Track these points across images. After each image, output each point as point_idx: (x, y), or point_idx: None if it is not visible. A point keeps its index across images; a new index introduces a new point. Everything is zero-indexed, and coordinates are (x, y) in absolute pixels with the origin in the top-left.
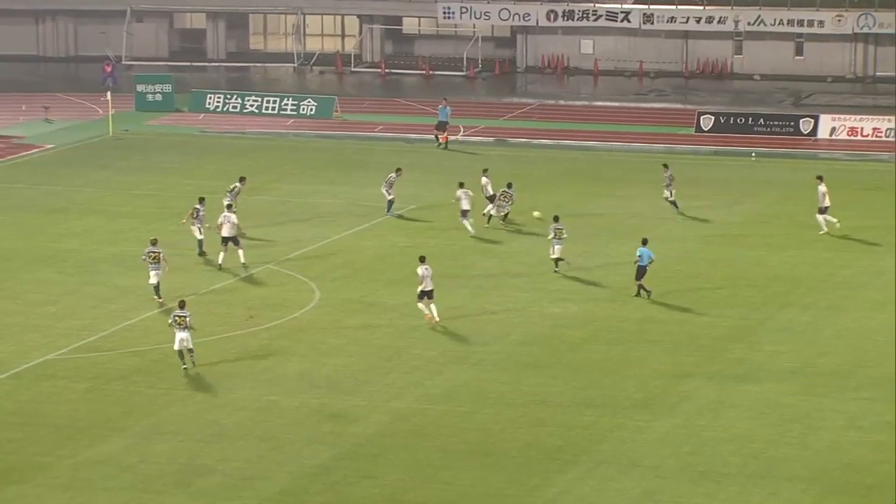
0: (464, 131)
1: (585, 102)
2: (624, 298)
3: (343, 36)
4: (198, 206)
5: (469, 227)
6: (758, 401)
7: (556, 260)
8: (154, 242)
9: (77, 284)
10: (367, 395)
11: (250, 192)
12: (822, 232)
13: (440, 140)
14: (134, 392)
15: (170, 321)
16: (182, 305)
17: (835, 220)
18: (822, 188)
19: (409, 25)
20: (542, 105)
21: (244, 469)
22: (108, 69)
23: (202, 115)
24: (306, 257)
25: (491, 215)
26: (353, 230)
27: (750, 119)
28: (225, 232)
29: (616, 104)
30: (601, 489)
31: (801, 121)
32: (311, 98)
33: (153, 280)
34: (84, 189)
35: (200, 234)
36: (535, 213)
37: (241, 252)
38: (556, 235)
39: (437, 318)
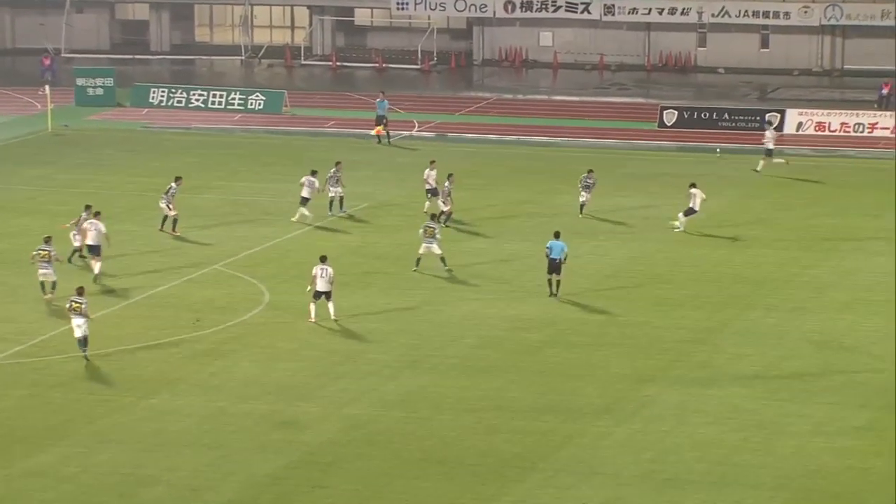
0: (418, 126)
1: (544, 96)
2: (584, 300)
3: (293, 28)
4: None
5: (306, 213)
6: (721, 406)
7: (419, 258)
8: (47, 240)
9: (13, 287)
10: (319, 401)
11: (196, 190)
12: (677, 230)
13: (375, 134)
14: (74, 399)
15: (67, 306)
16: (80, 292)
17: (678, 224)
18: (697, 193)
19: (362, 17)
20: (499, 99)
21: (190, 479)
22: (47, 62)
23: (145, 109)
24: (255, 258)
25: (443, 213)
26: (303, 230)
27: (714, 114)
28: (90, 240)
29: (576, 98)
30: (560, 498)
31: (768, 115)
32: (259, 92)
33: (42, 279)
34: (21, 187)
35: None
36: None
37: (97, 264)
38: (426, 233)
39: (334, 317)
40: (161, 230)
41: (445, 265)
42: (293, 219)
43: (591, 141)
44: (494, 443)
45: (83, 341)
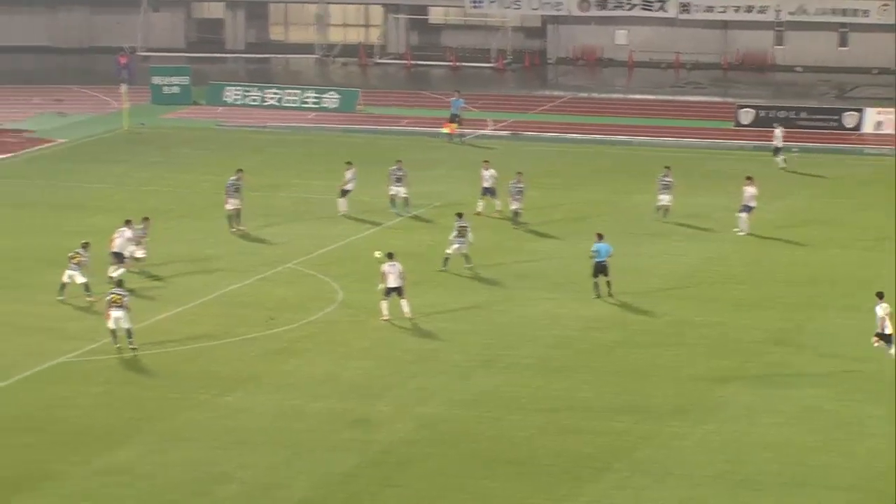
0: (492, 125)
1: (619, 95)
2: (658, 300)
3: (367, 26)
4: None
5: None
6: (797, 406)
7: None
8: (85, 246)
9: (89, 284)
10: (392, 400)
11: (270, 188)
12: (741, 233)
13: (448, 132)
14: (150, 396)
15: (107, 298)
16: (119, 284)
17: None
18: (752, 189)
19: (436, 15)
20: (574, 98)
21: (264, 477)
22: (124, 61)
23: (220, 108)
24: (328, 256)
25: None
26: (377, 228)
27: (791, 113)
28: (115, 247)
29: (651, 97)
30: (635, 498)
31: (845, 115)
32: (333, 91)
33: (66, 279)
34: (97, 185)
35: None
36: (376, 254)
37: (118, 271)
38: (459, 233)
39: (409, 314)
40: (232, 230)
41: (469, 263)
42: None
43: (666, 140)
44: (567, 443)
45: (128, 333)
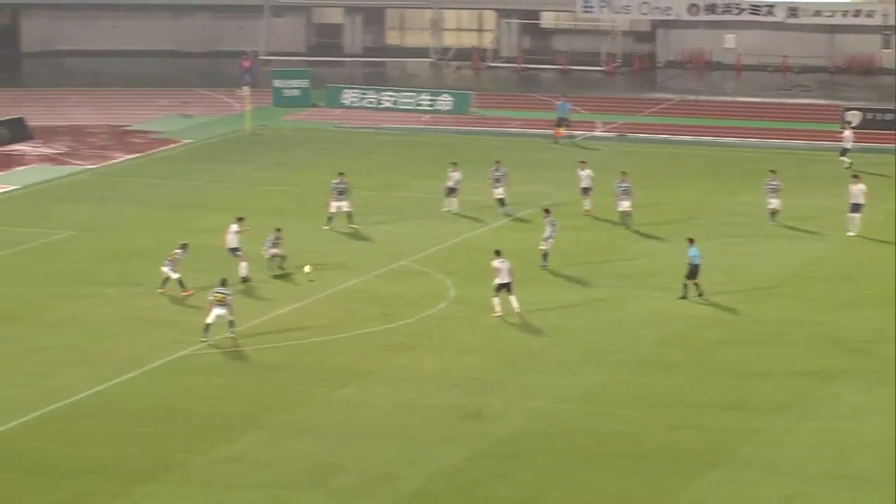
0: (601, 127)
1: (728, 98)
2: (764, 299)
3: (480, 31)
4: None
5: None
6: None
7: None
8: (183, 247)
9: (212, 280)
10: (504, 394)
11: (385, 188)
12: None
13: (555, 135)
14: (270, 389)
15: (210, 297)
16: (224, 283)
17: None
18: (860, 187)
19: (547, 20)
20: (682, 101)
21: (379, 468)
22: (246, 64)
23: (338, 110)
24: (441, 254)
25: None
26: (489, 227)
27: None
28: (229, 244)
29: (759, 100)
30: (741, 494)
31: (847, 114)
32: (447, 93)
33: (172, 275)
34: (220, 185)
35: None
36: (306, 268)
37: (243, 265)
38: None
39: (518, 310)
40: (325, 227)
41: (545, 262)
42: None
43: (774, 142)
44: (675, 438)
45: (230, 323)
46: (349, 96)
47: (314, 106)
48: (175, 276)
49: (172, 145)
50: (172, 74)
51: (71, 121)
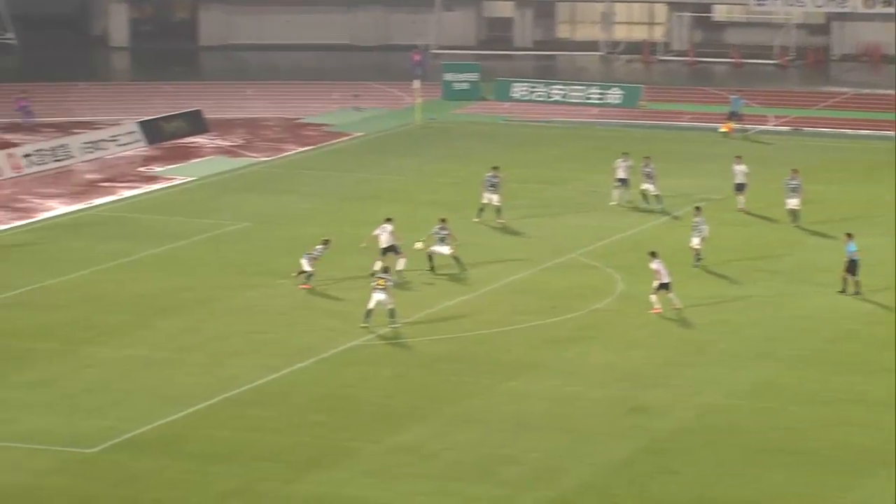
0: (774, 121)
1: None
2: None
3: (651, 24)
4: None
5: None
6: None
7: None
8: (325, 243)
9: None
10: (671, 388)
11: (553, 181)
12: None
13: (725, 130)
14: (439, 380)
15: (372, 283)
16: (386, 270)
17: None
18: None
19: (720, 12)
20: (857, 94)
21: (547, 460)
22: (417, 58)
23: (507, 103)
24: (609, 248)
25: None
26: (658, 221)
27: None
28: (384, 243)
29: None
30: None
31: None
32: (616, 87)
33: (306, 267)
34: (391, 177)
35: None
36: (417, 245)
37: (401, 261)
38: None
39: (678, 306)
40: (475, 220)
41: (697, 261)
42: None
43: None
44: (846, 436)
45: (390, 313)
46: (519, 90)
47: (483, 99)
48: (309, 269)
49: (344, 138)
50: (345, 68)
51: (246, 113)
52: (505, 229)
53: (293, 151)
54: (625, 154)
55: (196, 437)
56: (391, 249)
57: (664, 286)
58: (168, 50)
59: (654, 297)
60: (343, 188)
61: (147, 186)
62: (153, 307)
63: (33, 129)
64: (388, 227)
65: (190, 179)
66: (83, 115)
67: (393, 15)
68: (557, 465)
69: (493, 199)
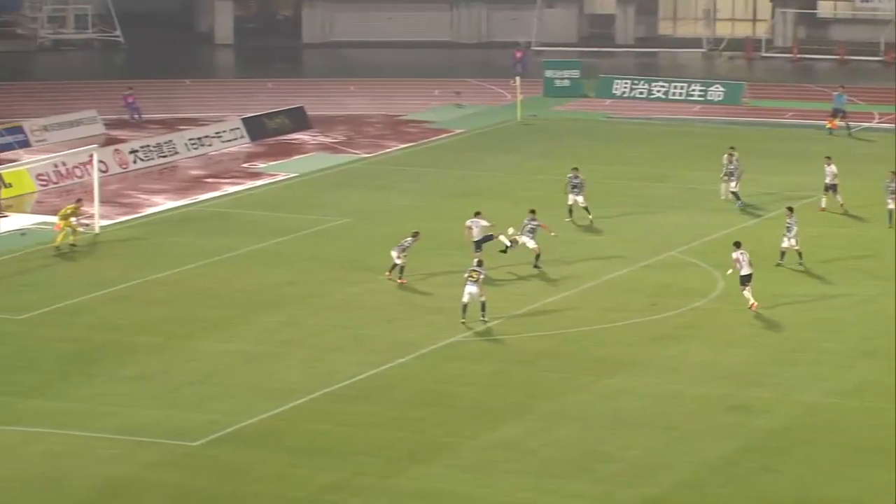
0: (878, 118)
1: None
2: None
3: (754, 20)
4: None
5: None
6: None
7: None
8: (415, 235)
9: (404, 267)
10: (772, 387)
11: (653, 178)
12: None
13: (829, 126)
14: (538, 376)
15: (465, 275)
16: (479, 263)
17: None
18: None
19: (825, 9)
20: None
21: (646, 458)
22: (519, 55)
23: (608, 100)
24: (710, 246)
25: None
26: (758, 219)
27: None
28: (476, 236)
29: None
30: None
31: None
32: (719, 84)
33: (398, 261)
34: (491, 173)
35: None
36: (505, 234)
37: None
38: (788, 228)
39: (755, 303)
40: (567, 220)
41: (801, 258)
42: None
43: None
44: None
45: (482, 306)
46: (620, 86)
47: (584, 96)
48: (400, 261)
49: (445, 135)
50: (446, 65)
51: (348, 110)
52: (604, 227)
53: (394, 148)
54: (731, 148)
55: (296, 431)
56: (485, 241)
57: (745, 279)
58: (272, 47)
59: (746, 293)
60: (443, 185)
61: (250, 182)
62: (255, 302)
63: (140, 125)
64: (481, 221)
65: (292, 175)
66: (188, 112)
67: (494, 12)
68: (656, 463)
69: (578, 200)
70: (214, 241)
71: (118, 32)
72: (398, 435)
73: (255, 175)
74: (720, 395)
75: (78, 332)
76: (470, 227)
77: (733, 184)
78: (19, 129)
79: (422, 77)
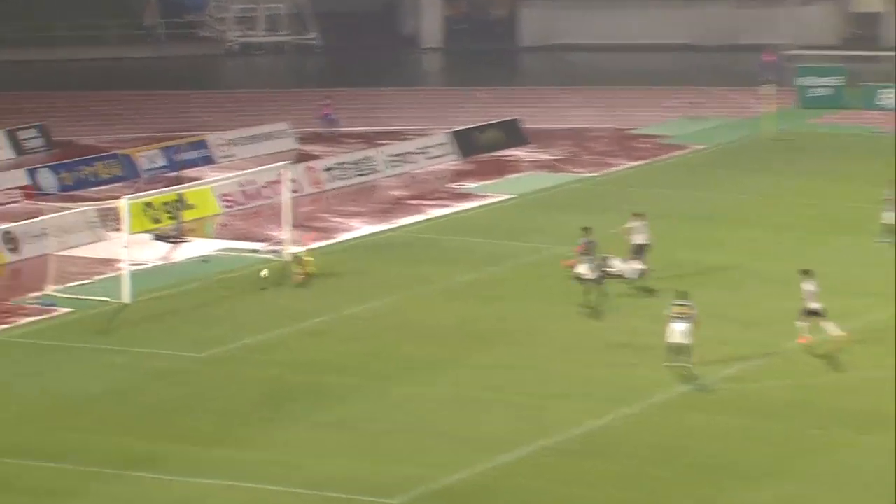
0: None
1: None
2: None
3: None
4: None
5: None
6: None
7: None
8: (588, 229)
9: (721, 306)
10: None
11: None
12: None
13: None
14: (789, 431)
15: (668, 312)
16: (683, 295)
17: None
18: None
19: None
20: None
21: None
22: (769, 59)
23: (873, 112)
24: None
25: None
26: None
27: None
28: (638, 240)
29: None
30: None
31: None
32: None
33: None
34: (735, 195)
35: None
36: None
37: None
38: None
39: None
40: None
41: None
42: None
43: None
44: None
45: (685, 350)
46: (886, 96)
47: (846, 107)
48: (590, 276)
49: (680, 151)
50: (683, 71)
51: (570, 123)
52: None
53: (622, 166)
54: None
55: (508, 488)
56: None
57: (813, 313)
58: (484, 51)
59: (800, 324)
60: (678, 207)
61: (458, 205)
62: (464, 339)
63: (334, 139)
64: (639, 222)
65: (506, 197)
66: (390, 125)
67: (740, 11)
68: None
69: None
70: (417, 270)
71: (313, 35)
72: (630, 495)
73: (464, 196)
74: None
75: (265, 371)
76: (629, 228)
77: (889, 214)
78: (203, 144)
79: (655, 85)
